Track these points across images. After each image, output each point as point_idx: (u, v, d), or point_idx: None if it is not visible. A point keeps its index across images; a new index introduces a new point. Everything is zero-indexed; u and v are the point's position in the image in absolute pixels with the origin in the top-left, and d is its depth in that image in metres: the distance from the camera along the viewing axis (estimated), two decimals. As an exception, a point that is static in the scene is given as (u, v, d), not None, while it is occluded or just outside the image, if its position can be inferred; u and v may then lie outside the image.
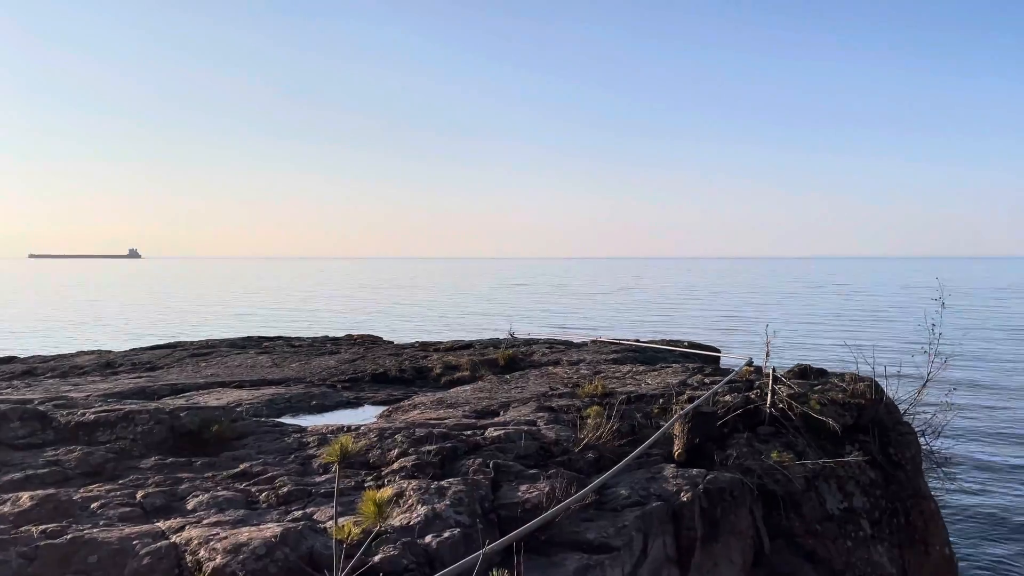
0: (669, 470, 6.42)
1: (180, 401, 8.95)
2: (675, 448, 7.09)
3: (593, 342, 15.32)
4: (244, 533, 4.47)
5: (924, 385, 9.06)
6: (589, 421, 7.55)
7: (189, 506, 5.17)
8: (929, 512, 8.86)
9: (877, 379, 9.19)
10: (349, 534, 3.47)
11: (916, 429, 9.22)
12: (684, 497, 5.79)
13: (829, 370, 10.69)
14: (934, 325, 9.12)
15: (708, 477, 6.18)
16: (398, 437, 6.70)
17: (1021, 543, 12.81)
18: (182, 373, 11.87)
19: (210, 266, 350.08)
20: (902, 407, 9.27)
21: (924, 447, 9.20)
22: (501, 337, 16.12)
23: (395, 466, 6.09)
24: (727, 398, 8.67)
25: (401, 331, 42.79)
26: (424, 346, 15.09)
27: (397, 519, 4.94)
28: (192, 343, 15.92)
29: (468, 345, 14.95)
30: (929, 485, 9.29)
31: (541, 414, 8.23)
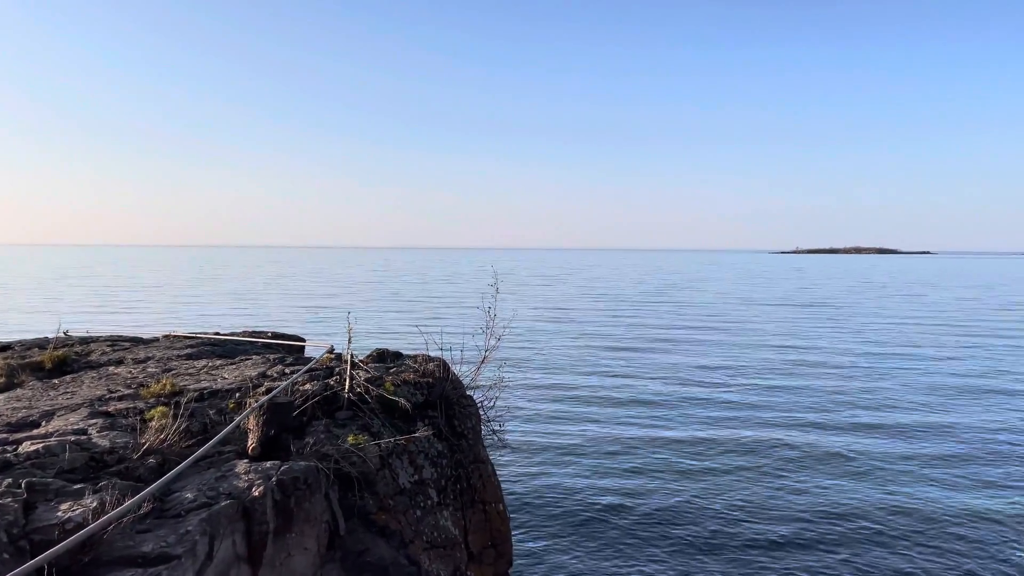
0: (242, 466, 6.16)
1: None
2: (249, 442, 6.84)
3: (165, 337, 14.08)
4: None
5: (483, 362, 10.13)
6: (153, 423, 6.90)
7: None
8: (487, 475, 9.98)
9: (445, 359, 10.07)
10: None
11: (476, 401, 10.31)
12: (256, 492, 5.60)
13: (405, 353, 11.36)
14: (490, 308, 10.26)
15: (282, 468, 6.07)
16: None
17: (561, 488, 15.24)
18: None
19: None
20: (466, 381, 10.27)
21: (483, 416, 10.33)
22: (52, 336, 13.90)
23: None
24: (307, 387, 8.66)
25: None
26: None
27: None
28: None
29: (6, 347, 12.65)
30: (488, 450, 10.48)
31: (95, 421, 7.27)
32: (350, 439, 7.49)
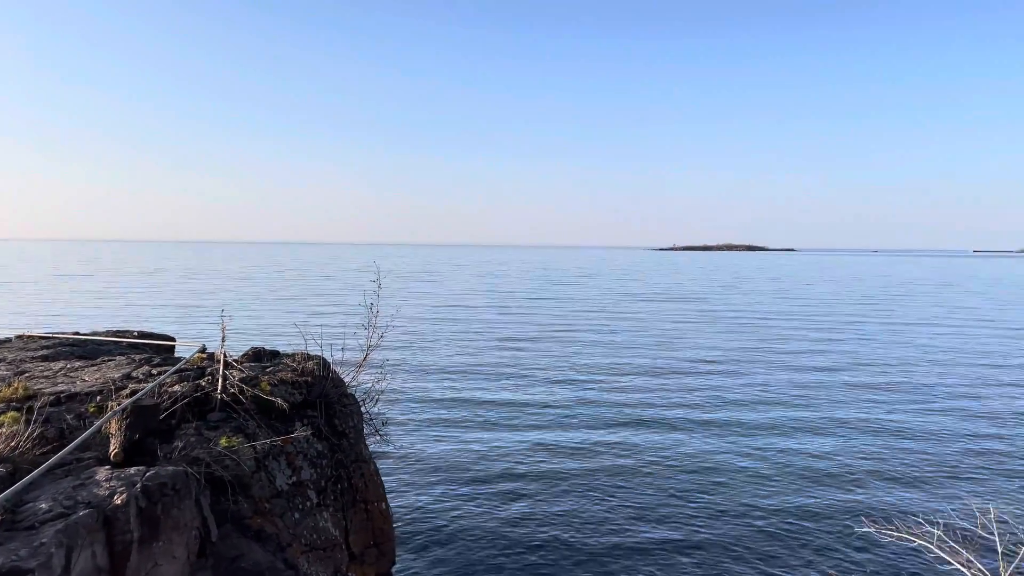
0: (103, 473, 5.82)
1: None
2: (111, 448, 6.48)
3: (19, 338, 13.08)
4: None
5: (364, 359, 10.00)
6: (3, 430, 6.41)
7: None
8: (369, 474, 9.87)
9: (326, 357, 9.86)
10: None
11: (359, 399, 10.16)
12: (118, 500, 5.32)
13: (283, 351, 11.05)
14: (372, 304, 10.14)
15: (148, 474, 5.79)
16: None
17: (444, 484, 15.26)
18: None
19: None
20: (347, 379, 10.11)
21: (365, 415, 10.20)
22: None
23: None
24: (176, 388, 8.27)
25: None
26: None
27: None
28: None
29: None
30: (370, 449, 10.37)
31: (-66, 429, 6.66)
32: (223, 441, 7.23)
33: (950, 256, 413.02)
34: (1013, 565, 4.94)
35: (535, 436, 19.34)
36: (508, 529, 13.13)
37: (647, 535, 13.09)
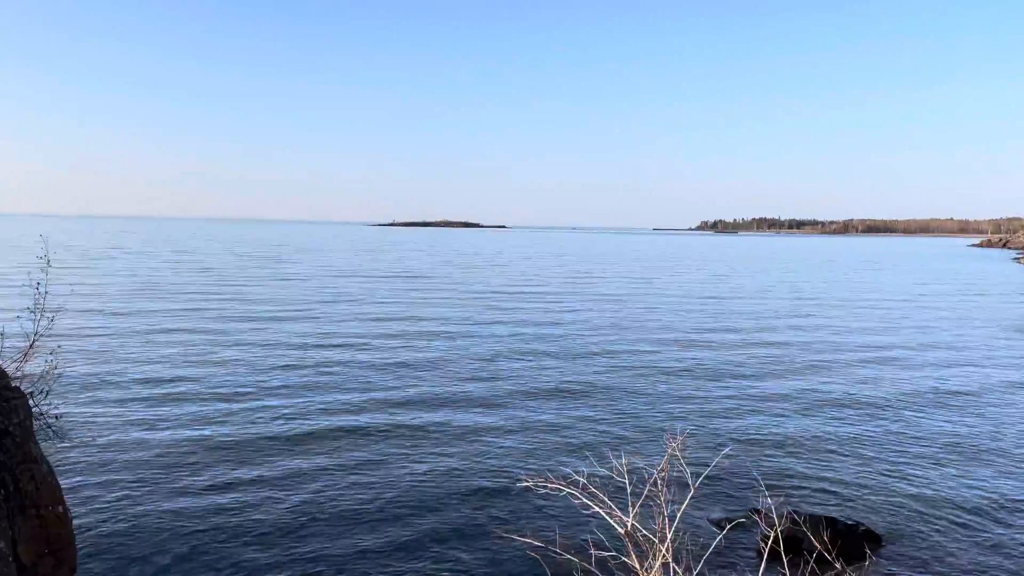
0: None
1: None
2: None
3: None
4: None
5: (31, 346, 8.80)
6: None
7: None
8: (41, 475, 8.71)
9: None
10: None
11: (26, 392, 8.92)
12: None
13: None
14: (39, 284, 8.92)
15: None
16: None
17: (135, 481, 13.96)
18: None
19: None
20: (10, 369, 8.81)
21: (35, 408, 8.99)
22: None
23: None
24: None
25: None
26: None
27: None
28: None
29: None
30: (43, 447, 9.15)
31: None
32: None
33: (633, 233, 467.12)
34: (640, 501, 6.01)
35: (235, 428, 18.32)
36: (208, 524, 12.37)
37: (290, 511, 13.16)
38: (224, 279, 59.80)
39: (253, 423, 18.10)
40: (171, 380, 22.47)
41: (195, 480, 14.06)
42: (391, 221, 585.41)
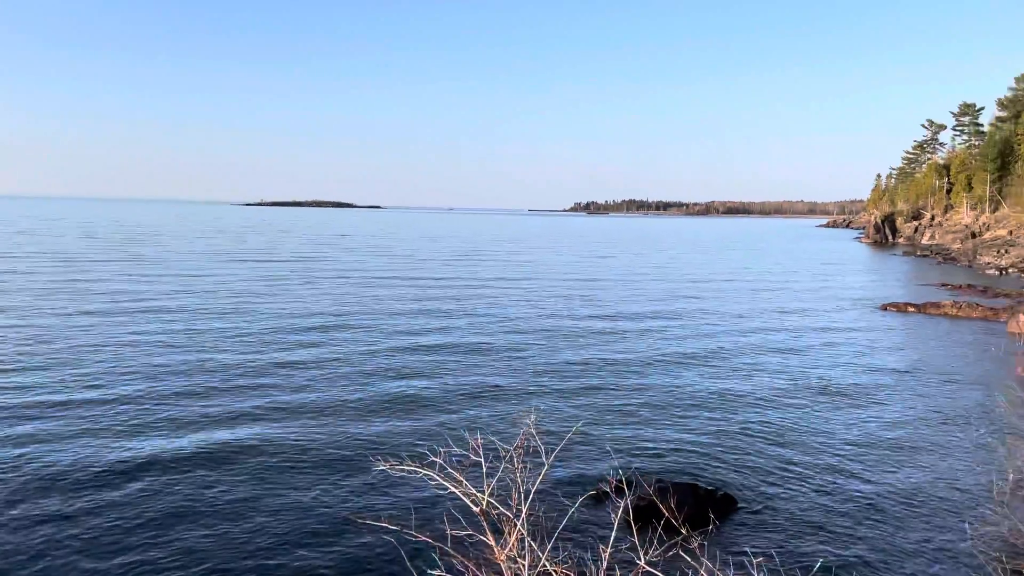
0: None
1: None
2: None
3: None
4: None
5: None
6: None
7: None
8: None
9: None
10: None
11: None
12: None
13: None
14: None
15: None
16: None
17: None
18: None
19: None
20: None
21: None
22: None
23: None
24: None
25: None
26: None
27: None
28: None
29: None
30: None
31: None
32: None
33: (511, 215, 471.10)
34: (496, 478, 5.93)
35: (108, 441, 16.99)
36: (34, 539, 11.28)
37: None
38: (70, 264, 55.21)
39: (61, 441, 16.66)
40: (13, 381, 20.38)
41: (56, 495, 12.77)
42: (259, 200, 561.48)
